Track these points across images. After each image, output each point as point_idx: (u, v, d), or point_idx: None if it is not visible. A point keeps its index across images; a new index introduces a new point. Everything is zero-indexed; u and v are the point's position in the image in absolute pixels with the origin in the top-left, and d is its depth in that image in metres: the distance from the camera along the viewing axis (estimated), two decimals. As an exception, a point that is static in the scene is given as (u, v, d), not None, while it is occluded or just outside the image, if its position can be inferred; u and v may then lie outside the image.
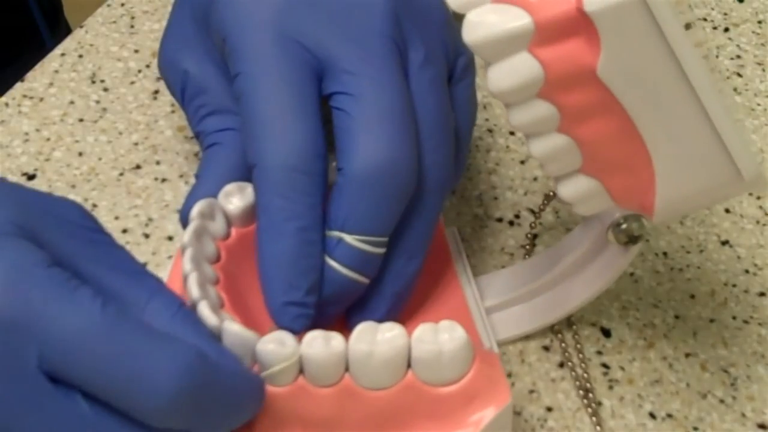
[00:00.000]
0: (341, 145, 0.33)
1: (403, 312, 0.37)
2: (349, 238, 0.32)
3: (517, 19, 0.27)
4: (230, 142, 0.36)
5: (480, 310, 0.37)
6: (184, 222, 0.35)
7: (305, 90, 0.33)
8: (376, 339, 0.30)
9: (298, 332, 0.31)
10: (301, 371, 0.30)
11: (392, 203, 0.33)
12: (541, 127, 0.29)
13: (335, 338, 0.30)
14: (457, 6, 0.28)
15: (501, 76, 0.28)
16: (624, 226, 0.33)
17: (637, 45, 0.27)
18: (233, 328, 0.30)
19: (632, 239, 0.33)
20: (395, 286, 0.35)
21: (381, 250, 0.33)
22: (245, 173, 0.34)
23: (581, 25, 0.27)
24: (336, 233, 0.33)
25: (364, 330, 0.30)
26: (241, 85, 0.33)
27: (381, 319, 0.34)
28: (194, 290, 0.31)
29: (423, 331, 0.31)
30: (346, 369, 0.31)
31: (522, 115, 0.28)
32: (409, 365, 0.31)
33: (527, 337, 0.39)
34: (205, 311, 0.30)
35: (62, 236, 0.27)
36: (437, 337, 0.31)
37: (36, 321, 0.24)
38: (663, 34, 0.26)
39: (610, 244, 0.34)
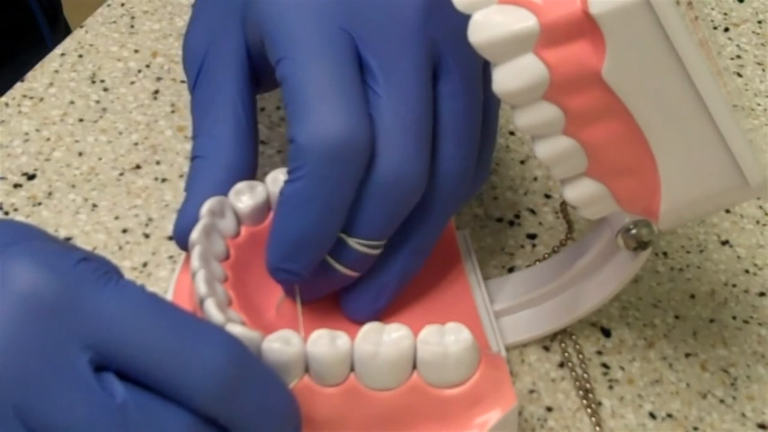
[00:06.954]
0: None
1: (411, 313, 0.37)
2: (351, 241, 0.33)
3: (523, 21, 0.27)
4: (212, 154, 0.36)
5: (489, 313, 0.37)
6: (182, 242, 0.35)
7: (349, 74, 0.32)
8: (382, 339, 0.30)
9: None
10: (306, 370, 0.30)
11: (397, 212, 0.33)
12: (547, 129, 0.29)
13: (341, 338, 0.30)
14: (463, 6, 0.28)
15: (506, 78, 0.28)
16: (633, 231, 0.33)
17: (641, 48, 0.27)
18: (235, 330, 0.30)
19: (641, 245, 0.33)
20: (390, 282, 0.36)
21: (377, 252, 0.34)
22: (232, 184, 0.35)
23: (586, 27, 0.27)
24: (340, 234, 0.33)
25: (370, 330, 0.30)
26: (285, 69, 0.33)
27: (370, 307, 0.35)
28: (201, 287, 0.31)
29: (429, 332, 0.31)
30: (352, 369, 0.31)
31: (527, 117, 0.28)
32: (415, 366, 0.31)
33: (527, 337, 0.39)
34: (211, 309, 0.30)
35: None
36: (443, 338, 0.31)
37: (82, 303, 0.24)
38: (668, 37, 0.26)
39: (620, 249, 0.34)
